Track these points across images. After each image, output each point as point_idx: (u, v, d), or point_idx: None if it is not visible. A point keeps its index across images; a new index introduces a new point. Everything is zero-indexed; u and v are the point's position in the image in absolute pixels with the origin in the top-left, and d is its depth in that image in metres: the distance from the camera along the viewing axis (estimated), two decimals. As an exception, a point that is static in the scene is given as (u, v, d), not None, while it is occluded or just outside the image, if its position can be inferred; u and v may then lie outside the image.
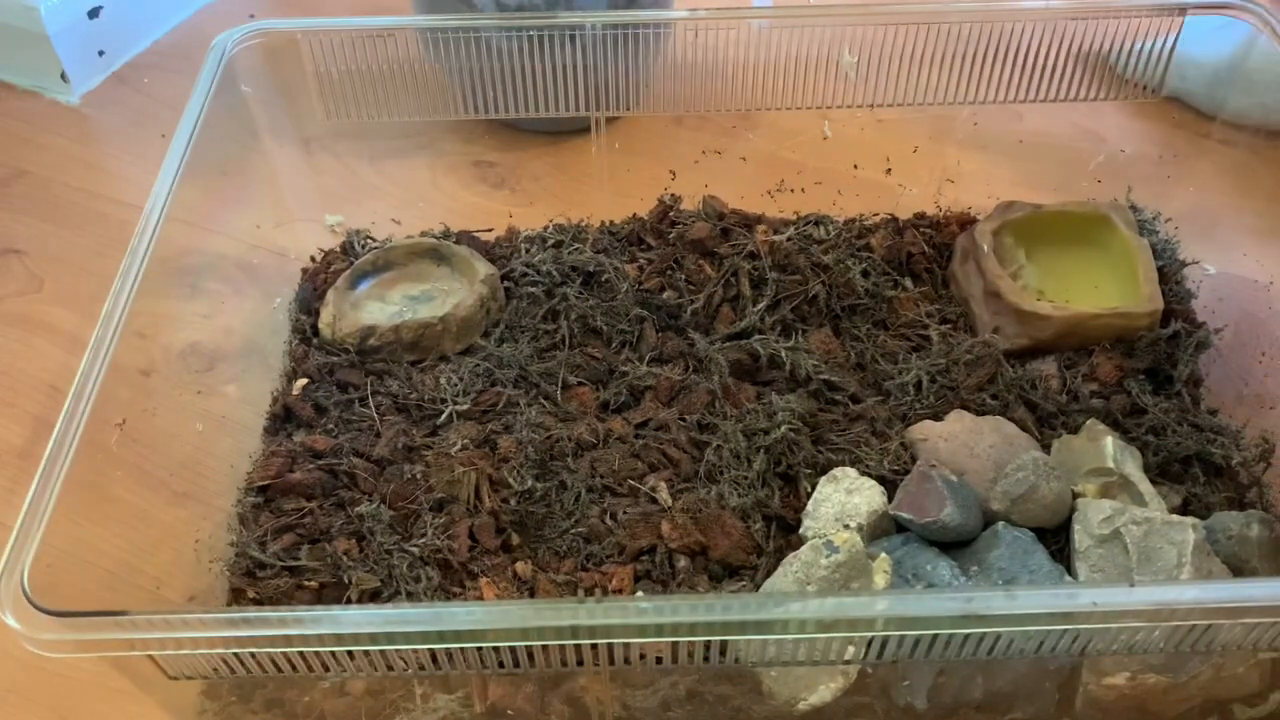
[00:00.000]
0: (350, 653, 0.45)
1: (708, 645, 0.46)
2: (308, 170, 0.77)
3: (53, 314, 0.75)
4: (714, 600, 0.45)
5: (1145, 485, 0.61)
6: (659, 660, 0.48)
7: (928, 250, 0.75)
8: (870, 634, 0.45)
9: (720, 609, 0.43)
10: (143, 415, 0.63)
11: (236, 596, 0.58)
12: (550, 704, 0.53)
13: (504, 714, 0.53)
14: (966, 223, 0.76)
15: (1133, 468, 0.62)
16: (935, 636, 0.45)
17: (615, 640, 0.45)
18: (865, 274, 0.72)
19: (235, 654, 0.44)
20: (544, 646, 0.46)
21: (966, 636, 0.45)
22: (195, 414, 0.64)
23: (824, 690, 0.51)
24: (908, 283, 0.74)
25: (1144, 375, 0.68)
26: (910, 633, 0.44)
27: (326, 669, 0.46)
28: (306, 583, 0.58)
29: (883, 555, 0.54)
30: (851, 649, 0.47)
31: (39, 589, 0.43)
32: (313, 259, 0.77)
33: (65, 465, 0.47)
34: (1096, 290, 0.73)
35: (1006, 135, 0.80)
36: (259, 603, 0.57)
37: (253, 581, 0.59)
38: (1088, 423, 0.64)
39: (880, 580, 0.53)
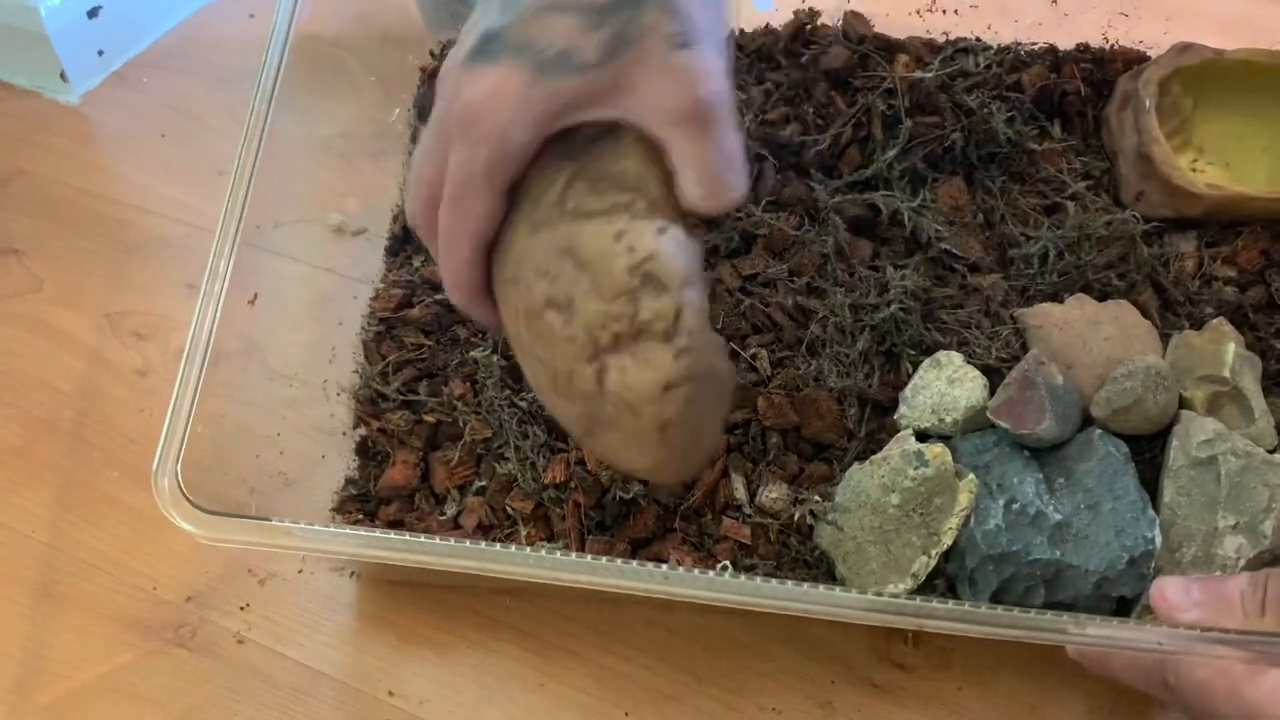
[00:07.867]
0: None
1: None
2: (308, 170, 0.74)
3: (53, 314, 0.73)
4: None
5: (1258, 400, 0.59)
6: None
7: (1084, 90, 0.68)
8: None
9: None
10: (140, 415, 0.64)
11: (361, 423, 0.64)
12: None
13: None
14: (1135, 61, 0.69)
15: (1249, 380, 0.60)
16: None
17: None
18: (1010, 121, 0.67)
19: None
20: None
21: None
22: (195, 414, 0.61)
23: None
24: (1055, 128, 0.68)
25: (1292, 268, 0.64)
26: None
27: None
28: (425, 417, 0.63)
29: (970, 476, 0.55)
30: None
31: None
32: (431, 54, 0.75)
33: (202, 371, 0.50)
34: (1265, 154, 0.67)
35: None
36: (385, 433, 0.63)
37: (376, 412, 0.63)
38: (1214, 322, 0.62)
39: (964, 500, 0.55)
